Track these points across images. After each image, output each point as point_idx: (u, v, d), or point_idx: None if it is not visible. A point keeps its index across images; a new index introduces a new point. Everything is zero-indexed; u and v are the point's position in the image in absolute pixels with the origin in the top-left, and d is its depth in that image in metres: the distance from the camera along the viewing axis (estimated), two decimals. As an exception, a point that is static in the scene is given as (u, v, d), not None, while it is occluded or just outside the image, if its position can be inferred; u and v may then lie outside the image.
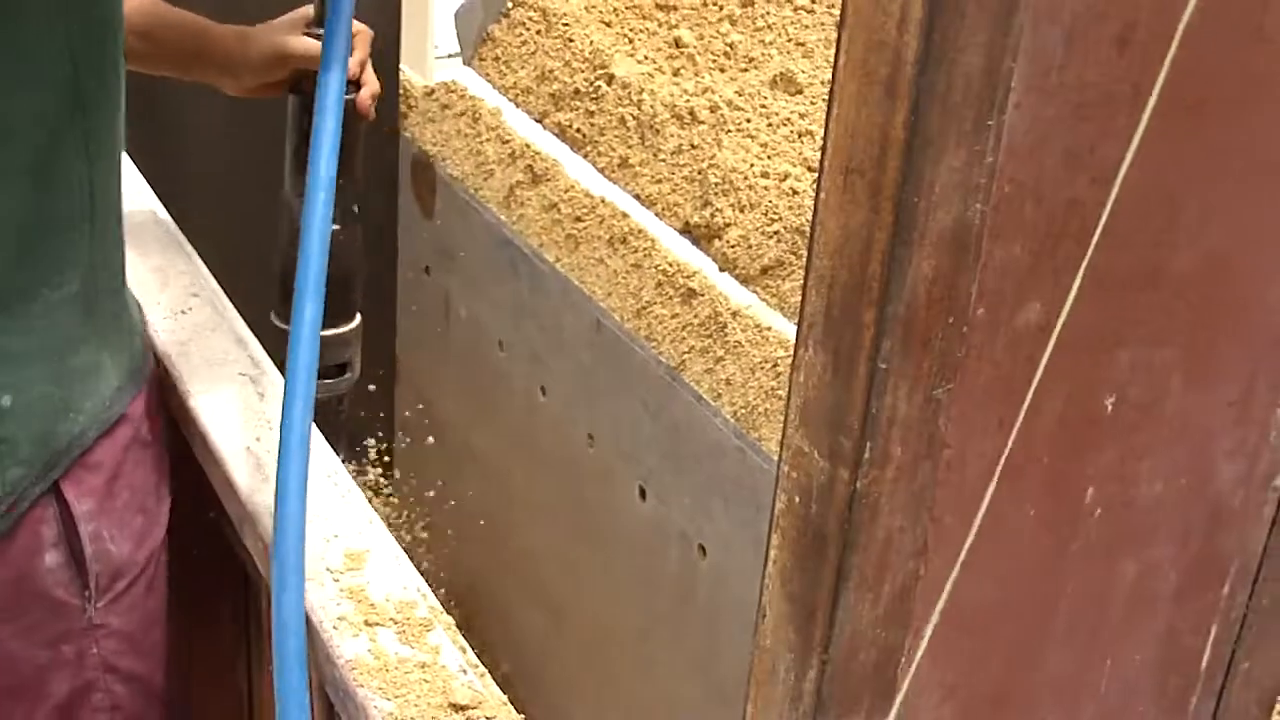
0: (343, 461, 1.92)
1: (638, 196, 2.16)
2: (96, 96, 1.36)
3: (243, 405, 1.57)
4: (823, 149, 0.75)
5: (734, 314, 1.88)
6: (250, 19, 1.78)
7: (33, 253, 1.35)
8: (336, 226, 1.70)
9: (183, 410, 1.60)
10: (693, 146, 2.13)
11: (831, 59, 2.10)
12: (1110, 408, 0.85)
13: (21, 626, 1.45)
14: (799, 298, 1.91)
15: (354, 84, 1.77)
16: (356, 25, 1.74)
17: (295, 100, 1.77)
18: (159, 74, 1.75)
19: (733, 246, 1.99)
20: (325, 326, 1.68)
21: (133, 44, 1.61)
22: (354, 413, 2.72)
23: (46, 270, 1.37)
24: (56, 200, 1.36)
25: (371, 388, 2.75)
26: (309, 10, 1.76)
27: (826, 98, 2.19)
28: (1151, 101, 0.77)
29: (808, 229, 1.92)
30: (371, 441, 2.77)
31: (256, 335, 1.72)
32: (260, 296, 1.86)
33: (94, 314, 1.43)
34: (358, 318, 1.91)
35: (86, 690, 1.51)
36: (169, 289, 1.74)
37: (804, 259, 1.90)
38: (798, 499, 0.80)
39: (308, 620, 1.30)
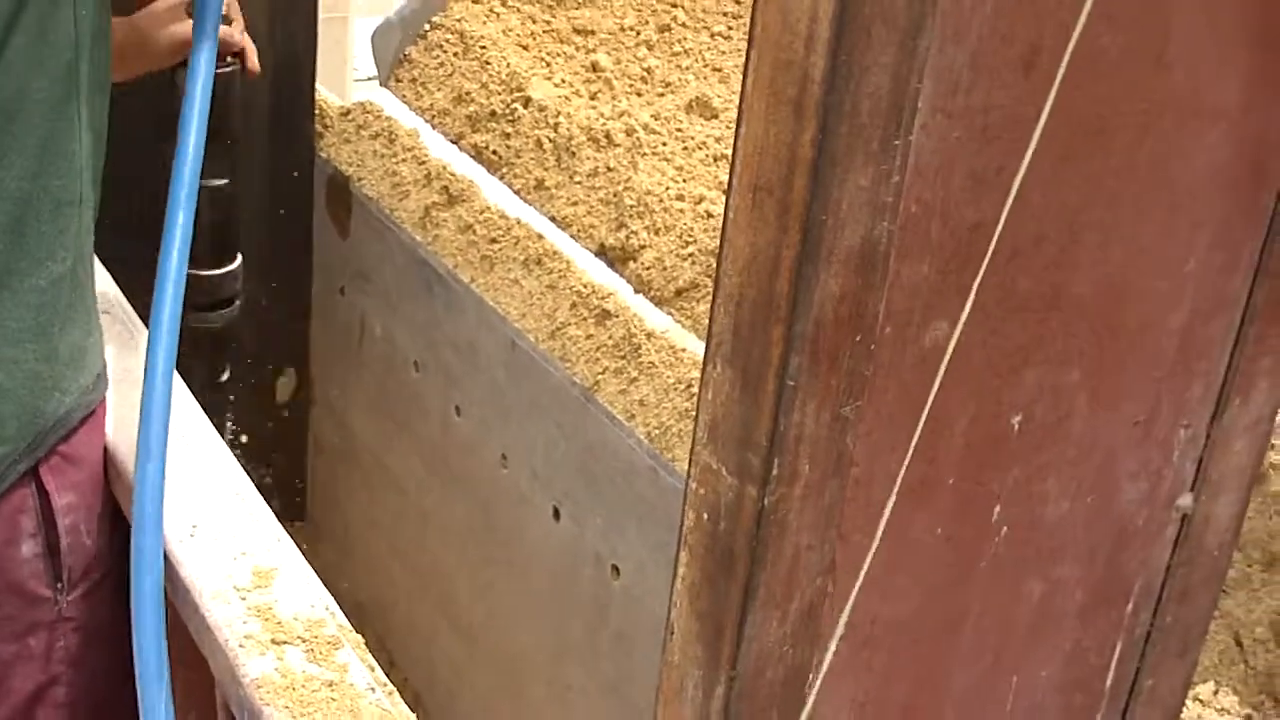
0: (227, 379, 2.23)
1: (553, 218, 2.16)
2: (91, 80, 1.39)
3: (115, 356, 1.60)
4: (731, 167, 0.75)
5: (648, 335, 1.88)
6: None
7: (33, 231, 1.37)
8: (225, 181, 2.06)
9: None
10: (608, 169, 2.13)
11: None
12: (1017, 427, 0.86)
13: None
14: (713, 319, 1.91)
15: (237, 54, 1.97)
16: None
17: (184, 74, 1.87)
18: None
19: (648, 268, 1.99)
20: (218, 266, 2.13)
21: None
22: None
23: (44, 249, 1.39)
24: (56, 180, 1.38)
25: (285, 412, 2.74)
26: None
27: (742, 121, 2.20)
28: (1054, 126, 0.78)
29: (723, 251, 1.93)
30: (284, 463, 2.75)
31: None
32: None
33: (81, 296, 1.45)
34: (239, 258, 2.18)
35: (49, 685, 1.50)
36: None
37: (718, 281, 1.91)
38: (706, 516, 0.80)
39: (214, 636, 1.29)
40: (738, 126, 0.74)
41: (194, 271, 1.79)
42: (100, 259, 1.75)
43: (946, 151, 0.75)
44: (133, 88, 1.84)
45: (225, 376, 2.25)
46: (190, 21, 1.70)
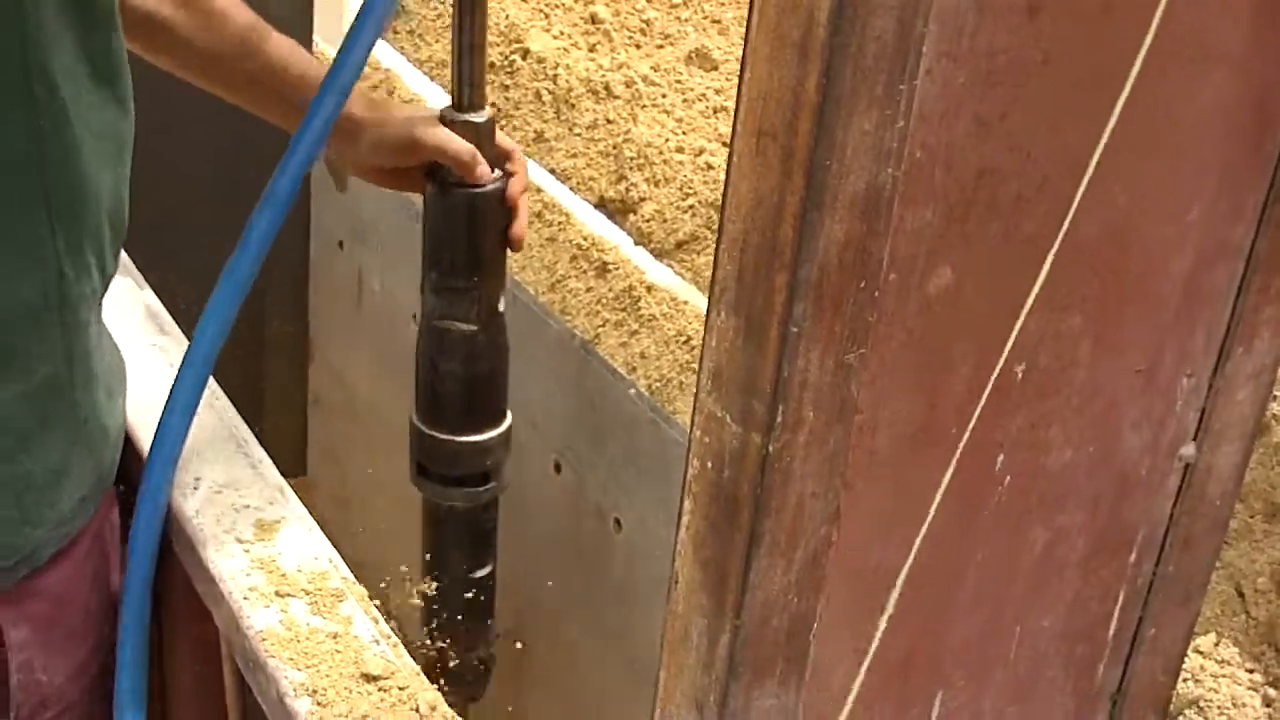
0: (488, 574, 1.82)
1: (553, 171, 2.15)
2: (56, 154, 1.19)
3: (153, 376, 1.55)
4: (735, 112, 0.75)
5: (649, 288, 1.88)
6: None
7: None
8: (475, 327, 1.64)
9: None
10: (608, 121, 2.12)
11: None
12: (1020, 374, 0.86)
13: None
14: (714, 271, 1.91)
15: (500, 172, 1.60)
16: (508, 144, 1.62)
17: (430, 191, 1.61)
18: (271, 120, 1.57)
19: (648, 221, 1.99)
20: (464, 431, 1.68)
21: (226, 71, 1.52)
22: (266, 390, 2.71)
23: (6, 360, 1.21)
24: (19, 288, 1.19)
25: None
26: (440, 111, 1.58)
27: (742, 72, 2.20)
28: (1067, 70, 0.78)
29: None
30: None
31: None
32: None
33: (61, 413, 1.27)
34: (505, 422, 1.74)
35: None
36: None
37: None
38: (710, 464, 0.80)
39: (218, 588, 1.30)
40: (741, 71, 0.74)
41: (432, 433, 1.69)
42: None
43: (951, 96, 0.74)
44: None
45: (484, 571, 1.83)
46: (437, 129, 1.55)
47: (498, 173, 1.58)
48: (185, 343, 1.58)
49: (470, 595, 1.78)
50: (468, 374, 1.66)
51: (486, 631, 1.80)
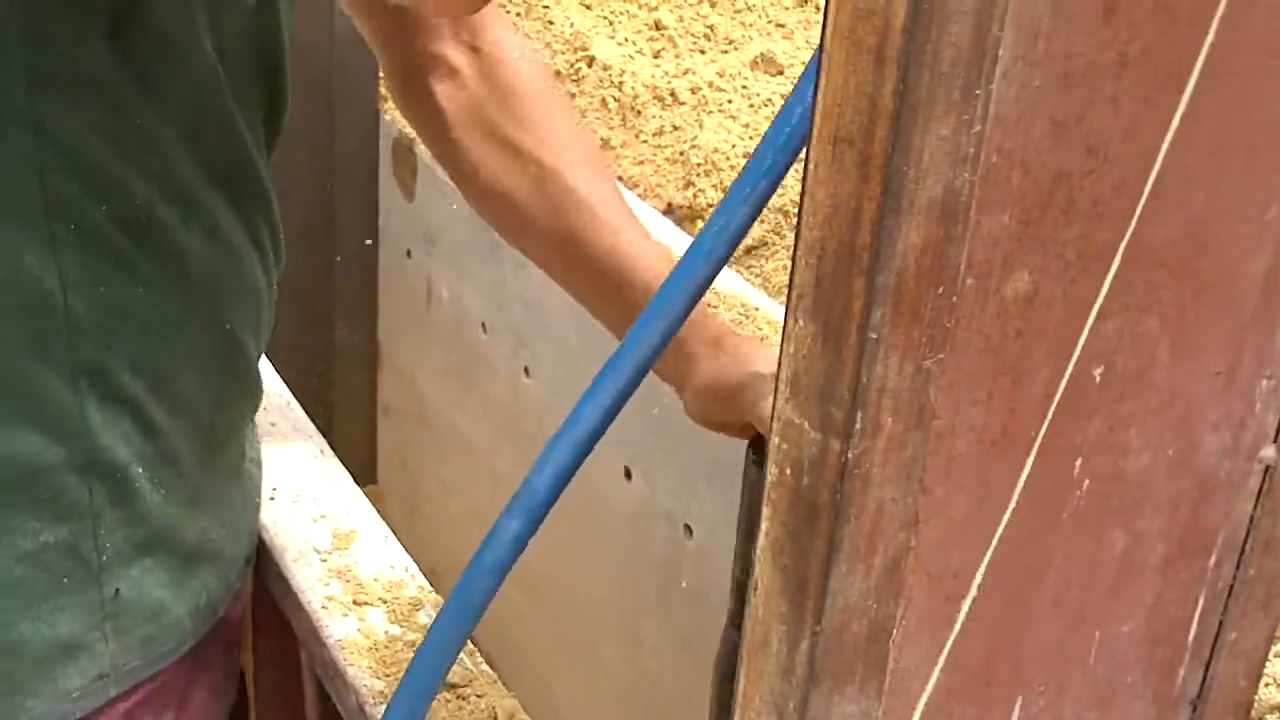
0: None
1: (620, 178, 2.16)
2: (91, 314, 1.06)
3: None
4: (811, 119, 0.75)
5: (717, 294, 1.88)
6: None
7: None
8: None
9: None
10: (675, 128, 2.13)
11: (812, 40, 2.10)
12: (1098, 378, 0.85)
13: None
14: (783, 278, 1.91)
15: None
16: None
17: (749, 461, 1.31)
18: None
19: (716, 227, 1.99)
20: None
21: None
22: (335, 399, 2.72)
23: (9, 517, 1.08)
24: (20, 445, 1.06)
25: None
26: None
27: (809, 77, 2.19)
28: (1143, 71, 0.77)
29: (791, 209, 1.92)
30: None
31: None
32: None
33: (88, 582, 1.13)
34: None
35: None
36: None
37: (787, 239, 1.91)
38: (789, 471, 0.80)
39: (297, 598, 1.31)
40: (816, 79, 0.74)
41: None
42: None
43: (1027, 100, 0.74)
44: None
45: None
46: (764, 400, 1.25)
47: None
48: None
49: None
50: None
51: None
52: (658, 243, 1.34)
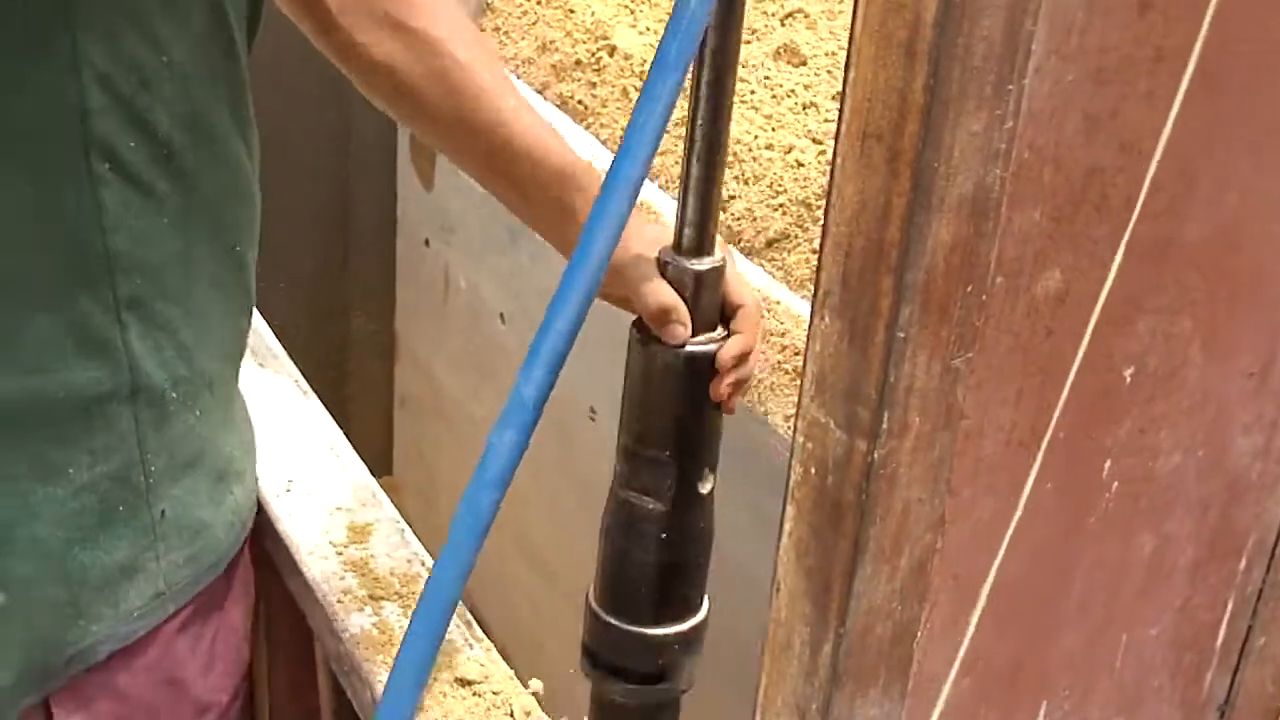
0: None
1: (640, 168, 2.15)
2: (134, 251, 1.12)
3: (244, 378, 1.55)
4: (839, 114, 0.74)
5: (739, 285, 1.87)
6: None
7: (45, 435, 1.13)
8: (663, 507, 1.35)
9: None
10: (696, 118, 2.11)
11: (835, 30, 2.08)
12: (1129, 378, 0.84)
13: None
14: (805, 271, 1.89)
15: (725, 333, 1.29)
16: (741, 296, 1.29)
17: (629, 340, 1.34)
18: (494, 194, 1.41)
19: (737, 219, 1.97)
20: (639, 621, 1.39)
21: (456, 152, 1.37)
22: (352, 390, 2.71)
23: (63, 455, 1.14)
24: (81, 374, 1.12)
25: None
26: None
27: (830, 70, 2.18)
28: (1171, 67, 0.76)
29: (813, 202, 1.91)
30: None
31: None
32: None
33: (138, 504, 1.19)
34: (696, 617, 1.44)
35: None
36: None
37: (809, 232, 1.89)
38: (813, 470, 0.79)
39: (312, 592, 1.29)
40: (845, 73, 0.72)
41: (607, 618, 1.36)
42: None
43: (1060, 95, 0.73)
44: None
45: None
46: (653, 286, 1.26)
47: (719, 332, 1.28)
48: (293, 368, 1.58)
49: None
50: (651, 560, 1.39)
51: None
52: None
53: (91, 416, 1.13)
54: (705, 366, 1.29)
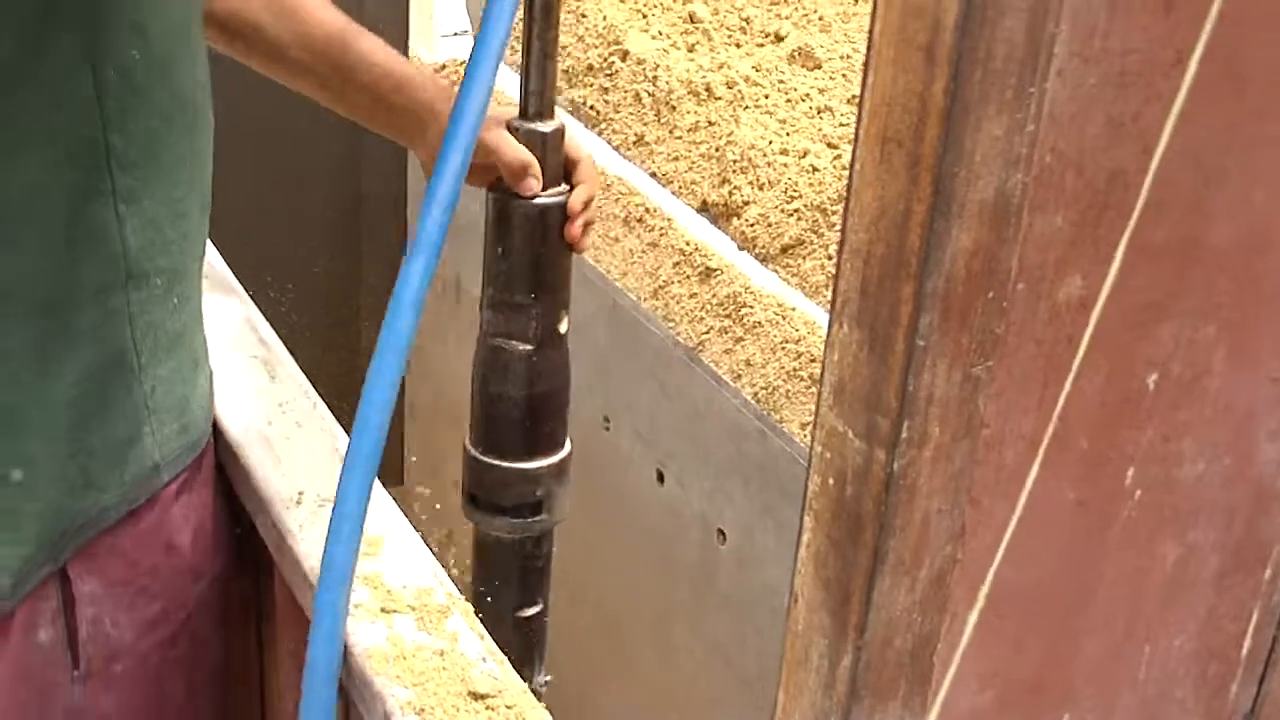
0: (536, 614, 1.72)
1: (654, 174, 2.13)
2: (129, 149, 1.22)
3: (254, 388, 1.55)
4: (858, 118, 0.72)
5: (754, 294, 1.85)
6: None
7: (56, 325, 1.22)
8: (530, 347, 1.58)
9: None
10: (710, 123, 2.10)
11: (849, 34, 2.06)
12: (1152, 385, 0.83)
13: (7, 704, 1.32)
14: (820, 277, 1.88)
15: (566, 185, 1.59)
16: (578, 153, 1.60)
17: (488, 199, 1.59)
18: (349, 115, 1.62)
19: (752, 225, 1.96)
20: (516, 457, 1.61)
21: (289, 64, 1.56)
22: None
23: (73, 340, 1.24)
24: (85, 267, 1.22)
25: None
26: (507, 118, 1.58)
27: (845, 74, 2.16)
28: (1193, 68, 0.75)
29: (828, 207, 1.89)
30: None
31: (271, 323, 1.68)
32: (266, 278, 1.83)
33: (133, 382, 1.30)
34: (564, 450, 1.66)
35: None
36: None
37: (825, 237, 1.88)
38: (832, 480, 0.78)
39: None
40: (864, 77, 0.71)
41: (483, 457, 1.61)
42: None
43: (1082, 98, 0.72)
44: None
45: (532, 611, 1.74)
46: (506, 140, 1.54)
47: (563, 186, 1.57)
48: (285, 352, 1.57)
49: (516, 636, 1.71)
50: (521, 396, 1.60)
51: (531, 678, 1.72)
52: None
53: (97, 306, 1.24)
54: (558, 216, 1.55)
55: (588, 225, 1.58)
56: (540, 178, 1.54)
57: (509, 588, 1.69)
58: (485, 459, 1.60)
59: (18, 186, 1.16)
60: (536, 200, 1.54)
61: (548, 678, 1.80)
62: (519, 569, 1.69)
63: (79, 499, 1.29)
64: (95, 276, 1.23)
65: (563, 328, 1.60)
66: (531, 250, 1.55)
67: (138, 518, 1.36)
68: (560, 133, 1.56)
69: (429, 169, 1.50)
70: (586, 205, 1.58)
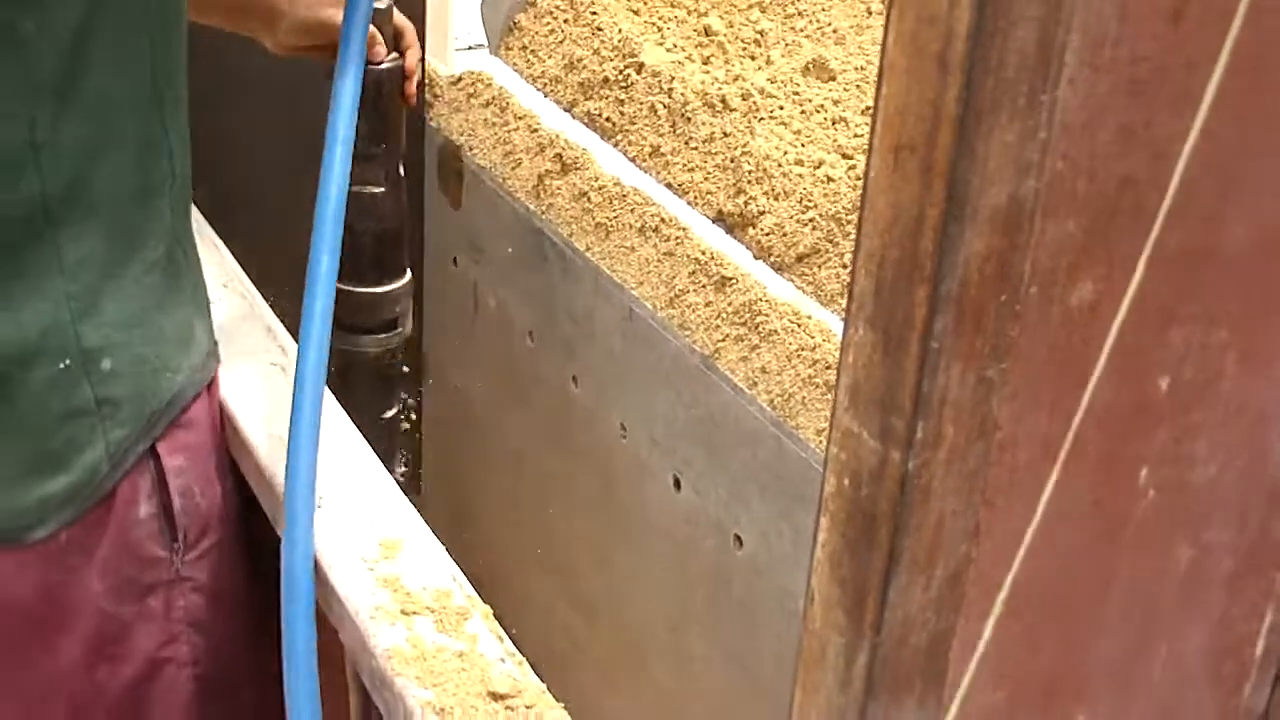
0: (394, 416, 2.06)
1: (669, 185, 2.14)
2: (168, 65, 1.41)
3: (273, 395, 1.56)
4: (871, 126, 0.74)
5: (769, 302, 1.87)
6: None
7: (125, 224, 1.41)
8: (383, 189, 1.94)
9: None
10: (725, 134, 2.11)
11: (863, 45, 2.08)
12: (1165, 388, 0.84)
13: (114, 582, 1.49)
14: (835, 285, 1.89)
15: (397, 52, 1.92)
16: (402, 23, 1.93)
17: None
18: (207, 23, 1.77)
19: (767, 234, 1.97)
20: (375, 283, 1.98)
21: None
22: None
23: (138, 239, 1.42)
24: (146, 172, 1.42)
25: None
26: None
27: (860, 84, 2.17)
28: (1206, 76, 0.76)
29: (844, 217, 1.90)
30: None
31: (285, 325, 1.71)
32: (288, 284, 1.85)
33: (179, 280, 1.49)
34: (407, 275, 2.03)
35: (170, 643, 1.55)
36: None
37: (840, 247, 1.89)
38: (847, 481, 0.79)
39: (344, 607, 1.30)
40: (878, 85, 0.73)
41: (346, 287, 1.81)
42: (228, 238, 1.77)
43: (1094, 106, 0.73)
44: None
45: (391, 413, 2.11)
46: (338, 10, 1.73)
47: (395, 54, 1.91)
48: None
49: (381, 435, 2.00)
50: (378, 231, 1.96)
51: (393, 470, 1.94)
52: None
53: (150, 206, 1.43)
54: (398, 77, 1.90)
55: (420, 85, 1.96)
56: (383, 44, 1.88)
57: (374, 395, 2.03)
58: (349, 288, 1.90)
59: (111, 100, 1.36)
60: (383, 65, 1.87)
61: (404, 469, 2.24)
62: (380, 378, 2.03)
63: (159, 380, 1.47)
64: (153, 181, 1.42)
65: (401, 171, 1.98)
66: (380, 108, 1.88)
67: (200, 401, 1.53)
68: (391, 9, 1.89)
69: (278, 51, 1.88)
70: (417, 66, 1.94)
